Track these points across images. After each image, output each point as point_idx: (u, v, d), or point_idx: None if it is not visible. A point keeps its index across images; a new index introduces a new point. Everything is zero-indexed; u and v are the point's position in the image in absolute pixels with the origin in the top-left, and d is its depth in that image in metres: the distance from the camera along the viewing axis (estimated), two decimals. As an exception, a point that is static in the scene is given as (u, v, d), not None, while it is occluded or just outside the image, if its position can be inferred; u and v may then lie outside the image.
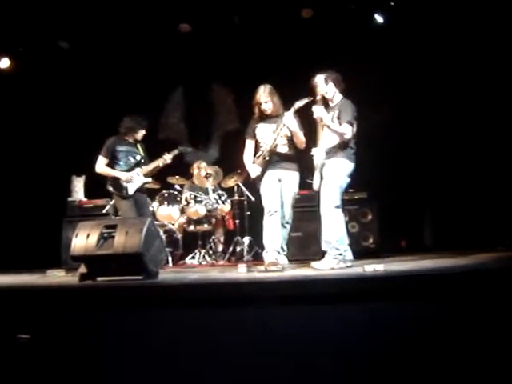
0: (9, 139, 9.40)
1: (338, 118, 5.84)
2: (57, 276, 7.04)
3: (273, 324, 4.35)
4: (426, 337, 4.13)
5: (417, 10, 8.27)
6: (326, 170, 5.95)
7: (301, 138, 6.21)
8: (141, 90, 9.13)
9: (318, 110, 5.86)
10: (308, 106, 5.99)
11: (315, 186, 6.10)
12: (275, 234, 6.14)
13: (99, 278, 5.56)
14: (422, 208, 8.73)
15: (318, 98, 5.92)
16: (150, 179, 7.04)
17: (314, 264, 5.89)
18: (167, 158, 6.99)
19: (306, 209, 8.16)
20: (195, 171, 8.52)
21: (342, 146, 5.87)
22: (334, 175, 5.88)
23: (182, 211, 8.25)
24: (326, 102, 6.06)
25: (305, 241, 8.07)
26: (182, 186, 8.51)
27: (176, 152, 7.11)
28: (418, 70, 8.41)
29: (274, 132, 6.16)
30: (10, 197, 9.29)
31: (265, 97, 6.19)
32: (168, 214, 8.11)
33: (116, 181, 6.87)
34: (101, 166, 6.88)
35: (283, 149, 6.26)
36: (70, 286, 5.55)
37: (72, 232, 5.89)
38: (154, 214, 8.01)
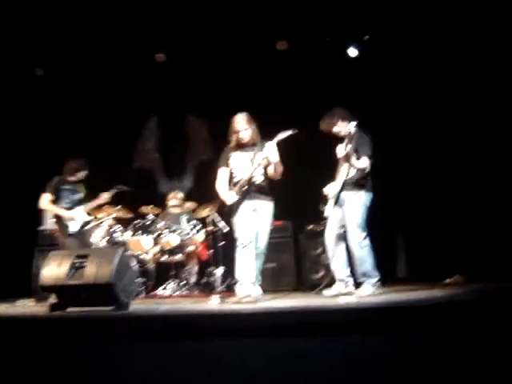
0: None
1: (356, 151, 5.97)
2: (27, 306, 6.95)
3: (246, 356, 4.31)
4: (399, 369, 4.11)
5: (391, 44, 8.38)
6: (347, 204, 6.15)
7: (279, 170, 6.19)
8: (116, 119, 9.11)
9: (340, 150, 6.07)
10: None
11: (326, 213, 6.36)
12: (249, 265, 6.10)
13: (69, 309, 5.49)
14: (395, 239, 8.78)
15: (347, 139, 5.93)
16: (91, 217, 7.39)
17: (356, 291, 6.00)
18: (106, 197, 7.43)
19: (280, 239, 8.18)
20: (170, 201, 8.49)
21: (360, 178, 6.11)
22: (357, 209, 6.08)
23: (155, 241, 8.19)
24: (341, 138, 6.19)
25: (278, 272, 8.07)
26: (155, 215, 8.46)
27: (114, 191, 7.49)
28: (391, 103, 8.50)
29: (252, 161, 6.14)
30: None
31: (243, 125, 6.19)
32: (140, 244, 8.04)
33: (59, 218, 7.19)
34: (45, 202, 7.22)
35: (259, 179, 6.24)
36: (39, 316, 5.46)
37: (43, 261, 5.83)
38: (126, 244, 7.95)
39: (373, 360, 4.16)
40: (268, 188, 6.32)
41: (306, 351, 4.25)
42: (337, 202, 6.23)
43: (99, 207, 7.70)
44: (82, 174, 7.36)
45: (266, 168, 6.24)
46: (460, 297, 5.48)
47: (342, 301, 5.17)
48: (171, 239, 8.06)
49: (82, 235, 7.30)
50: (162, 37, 8.46)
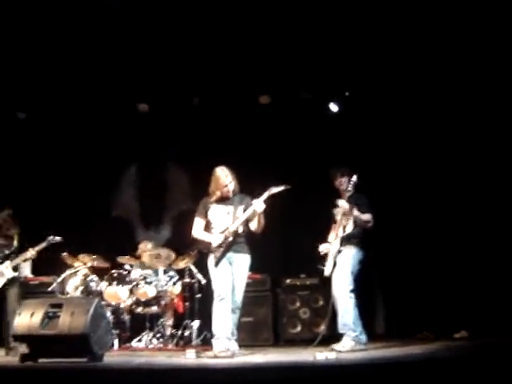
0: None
1: (358, 209, 6.33)
2: (-4, 356, 6.80)
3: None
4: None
5: (371, 100, 8.52)
6: (340, 257, 6.41)
7: (262, 223, 6.22)
8: (95, 166, 9.09)
9: (343, 203, 6.34)
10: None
11: (327, 272, 6.47)
12: (225, 319, 6.03)
13: (41, 360, 5.36)
14: (373, 295, 8.75)
15: (348, 194, 6.40)
16: (16, 273, 7.17)
17: (334, 346, 6.04)
18: (32, 252, 7.19)
19: (258, 293, 8.11)
20: (142, 253, 8.37)
21: (357, 235, 6.42)
22: (348, 263, 6.34)
23: (131, 292, 8.06)
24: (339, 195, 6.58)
25: (256, 326, 7.98)
26: (131, 265, 8.36)
27: (43, 245, 7.26)
28: (373, 159, 8.59)
29: (234, 214, 6.20)
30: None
31: (229, 179, 6.25)
32: (116, 294, 7.91)
33: None
34: None
35: (239, 230, 6.24)
36: (9, 367, 5.34)
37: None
38: (101, 294, 7.83)
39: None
40: (246, 242, 6.33)
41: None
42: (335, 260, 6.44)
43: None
44: (11, 231, 7.27)
45: (247, 222, 6.26)
46: (437, 353, 5.47)
47: (321, 356, 5.10)
48: (147, 290, 7.94)
49: (8, 294, 7.11)
50: (145, 87, 8.51)
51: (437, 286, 8.18)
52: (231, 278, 6.18)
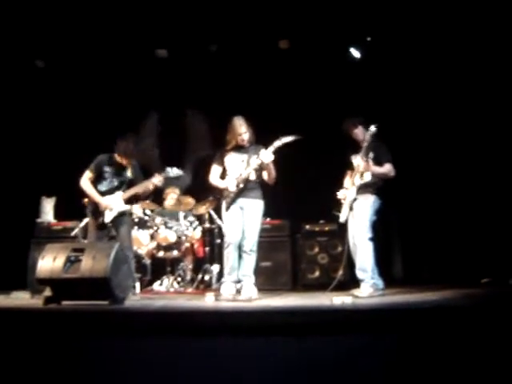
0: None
1: (376, 159, 6.31)
2: (21, 298, 6.94)
3: (238, 355, 4.31)
4: (389, 372, 4.12)
5: (393, 45, 8.37)
6: (357, 205, 6.42)
7: (272, 176, 6.43)
8: (115, 113, 9.10)
9: (359, 162, 6.28)
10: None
11: (342, 219, 6.54)
12: (232, 264, 6.35)
13: (64, 302, 5.49)
14: (392, 240, 8.79)
15: (365, 145, 6.27)
16: (128, 206, 6.77)
17: (354, 292, 6.13)
18: (156, 180, 6.67)
19: (276, 238, 8.18)
20: (167, 197, 8.49)
21: (374, 183, 6.38)
22: (366, 211, 6.35)
23: (152, 237, 8.18)
24: (357, 144, 6.49)
25: (274, 271, 8.06)
26: (152, 211, 8.44)
27: (163, 175, 6.78)
28: (394, 106, 8.51)
29: (248, 162, 6.39)
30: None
31: (244, 128, 6.43)
32: (137, 239, 8.03)
33: (95, 206, 6.68)
34: (85, 180, 6.68)
35: (251, 177, 6.43)
36: (33, 309, 5.46)
37: (39, 254, 5.83)
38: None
39: (366, 361, 4.17)
40: (258, 186, 6.50)
41: (300, 351, 4.25)
42: (352, 207, 6.44)
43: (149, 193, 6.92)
44: (131, 159, 6.76)
45: (259, 170, 6.43)
46: (453, 301, 5.50)
47: (338, 301, 5.17)
48: (168, 235, 8.05)
49: (117, 227, 6.66)
50: (164, 32, 8.44)
51: (457, 232, 8.19)
52: (240, 223, 6.39)
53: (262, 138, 6.49)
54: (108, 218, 6.60)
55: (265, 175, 6.46)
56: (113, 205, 6.59)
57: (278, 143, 6.24)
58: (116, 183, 6.69)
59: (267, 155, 6.21)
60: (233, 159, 6.51)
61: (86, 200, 6.95)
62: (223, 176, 6.58)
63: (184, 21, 8.08)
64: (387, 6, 7.78)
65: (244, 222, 6.39)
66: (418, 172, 8.45)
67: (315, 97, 8.82)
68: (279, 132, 6.38)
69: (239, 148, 6.50)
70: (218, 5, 7.77)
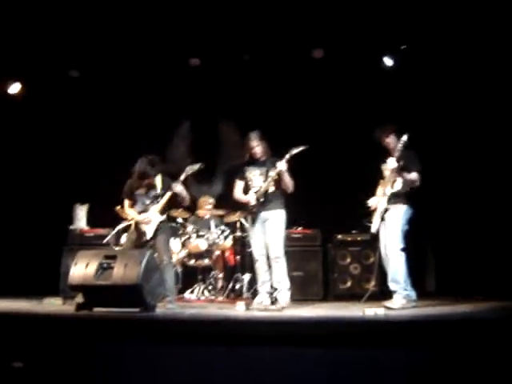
0: (14, 165, 9.40)
1: (405, 167, 6.25)
2: (54, 304, 7.00)
3: (269, 364, 4.29)
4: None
5: (427, 53, 8.28)
6: (389, 215, 6.38)
7: (291, 182, 6.60)
8: (148, 122, 9.16)
9: (391, 163, 6.25)
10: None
11: (374, 229, 6.50)
12: (263, 277, 6.63)
13: (96, 309, 5.52)
14: (425, 252, 8.69)
15: (398, 152, 6.18)
16: (164, 217, 6.68)
17: (386, 303, 6.06)
18: (174, 186, 6.56)
19: (307, 248, 8.16)
20: (201, 205, 8.50)
21: (405, 193, 6.36)
22: (398, 221, 6.30)
23: (183, 245, 8.20)
24: (388, 152, 6.48)
25: (305, 280, 8.02)
26: (184, 219, 8.47)
27: (183, 177, 6.67)
28: (428, 116, 8.42)
29: (266, 175, 6.66)
30: (12, 221, 9.25)
31: (256, 142, 6.75)
32: (169, 247, 8.04)
33: (135, 226, 6.68)
34: (127, 208, 6.79)
35: (270, 189, 6.66)
36: (65, 315, 5.50)
37: (72, 260, 5.88)
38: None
39: (393, 374, 4.12)
40: (278, 197, 6.70)
41: (328, 362, 4.22)
42: (383, 217, 6.41)
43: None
44: (152, 179, 6.65)
45: (276, 180, 6.61)
46: (488, 313, 5.42)
47: (370, 312, 5.12)
48: (199, 243, 8.06)
49: (157, 241, 6.57)
50: (197, 41, 8.46)
51: (491, 243, 8.06)
52: (262, 237, 6.65)
53: (292, 146, 6.50)
54: (149, 233, 6.56)
55: (283, 185, 6.62)
56: (150, 218, 6.56)
57: (289, 155, 6.43)
58: (148, 201, 6.68)
59: (281, 165, 6.42)
60: (253, 173, 6.81)
61: (118, 208, 7.01)
62: (246, 190, 6.83)
63: (217, 30, 8.09)
64: (421, 14, 7.70)
65: (267, 233, 6.60)
66: (453, 182, 8.33)
67: (348, 106, 8.77)
68: (310, 140, 6.44)
69: (257, 161, 6.80)
70: (251, 14, 7.77)
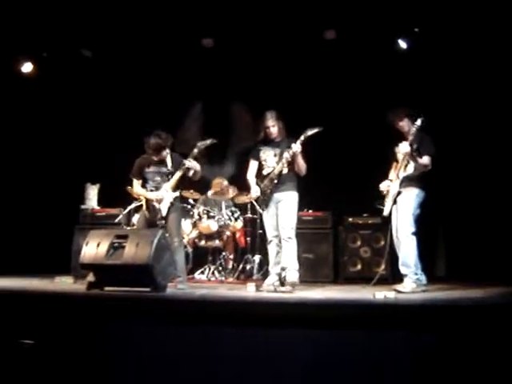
0: (26, 144, 9.43)
1: (418, 150, 6.20)
2: (65, 283, 7.05)
3: (278, 345, 4.31)
4: (429, 367, 4.07)
5: (441, 37, 8.20)
6: (401, 198, 6.31)
7: (303, 167, 6.57)
8: (160, 103, 9.15)
9: (404, 147, 6.16)
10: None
11: (386, 212, 6.44)
12: (274, 258, 6.63)
13: (107, 288, 5.55)
14: (435, 237, 8.66)
15: (412, 136, 6.13)
16: (177, 193, 6.64)
17: (397, 287, 6.02)
18: (187, 164, 6.51)
19: (318, 230, 8.15)
20: (214, 186, 8.48)
21: (418, 176, 6.29)
22: (410, 205, 6.23)
23: (194, 225, 8.21)
24: (402, 135, 6.39)
25: (316, 263, 8.03)
26: (195, 200, 8.48)
27: (195, 153, 6.62)
28: (441, 99, 8.36)
29: (280, 156, 6.56)
30: (23, 201, 9.30)
31: (272, 121, 6.64)
32: (180, 228, 8.06)
33: (148, 204, 6.61)
34: (137, 187, 6.73)
35: (284, 171, 6.58)
36: (76, 294, 5.54)
37: (83, 239, 5.91)
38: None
39: (401, 357, 4.14)
40: (291, 178, 6.63)
41: (339, 344, 4.23)
42: (395, 200, 6.35)
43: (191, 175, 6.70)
44: (164, 153, 6.58)
45: (291, 163, 6.52)
46: (499, 299, 5.40)
47: (380, 295, 5.12)
48: (210, 224, 8.07)
49: (169, 220, 6.51)
50: (209, 22, 8.42)
51: (503, 228, 8.03)
52: (275, 219, 6.60)
53: (307, 127, 6.44)
54: (164, 210, 6.50)
55: (296, 167, 6.55)
56: (162, 195, 6.53)
57: (304, 136, 6.35)
58: (159, 179, 6.62)
59: (296, 147, 6.35)
60: (267, 153, 6.72)
61: (129, 188, 7.00)
62: (260, 169, 6.76)
63: (230, 10, 8.04)
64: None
65: (279, 214, 6.54)
66: (465, 166, 8.29)
67: (361, 88, 8.71)
68: (324, 122, 6.37)
69: (272, 142, 6.70)
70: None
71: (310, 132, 6.35)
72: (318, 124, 6.37)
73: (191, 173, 6.62)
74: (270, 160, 6.68)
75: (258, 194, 6.66)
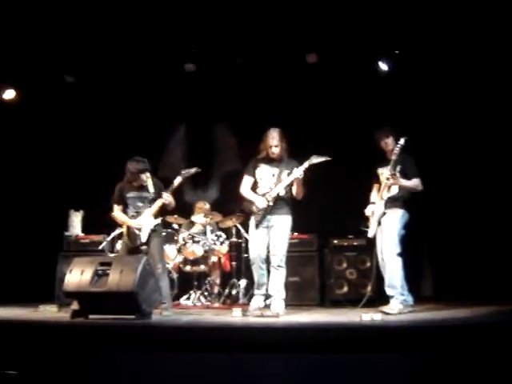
0: (9, 171, 9.37)
1: (403, 171, 6.25)
2: (49, 311, 6.96)
3: (265, 370, 4.27)
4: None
5: (422, 58, 8.28)
6: (386, 220, 6.33)
7: (303, 190, 6.37)
8: (143, 127, 9.14)
9: (386, 172, 6.19)
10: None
11: (370, 234, 6.45)
12: (258, 279, 6.46)
13: (91, 316, 5.50)
14: (421, 257, 8.68)
15: (394, 155, 6.14)
16: (158, 220, 6.64)
17: (384, 308, 6.00)
18: (165, 197, 6.51)
19: (304, 253, 8.11)
20: (196, 211, 8.47)
21: (402, 197, 6.32)
22: (395, 226, 6.24)
23: (179, 251, 8.17)
24: (385, 157, 6.42)
25: (302, 286, 7.98)
26: (179, 225, 8.45)
27: (178, 181, 6.62)
28: (423, 119, 8.43)
29: (278, 178, 6.38)
30: (7, 228, 9.22)
31: (276, 141, 6.40)
32: (164, 254, 8.01)
33: (128, 231, 6.60)
34: (117, 212, 6.69)
35: (281, 193, 6.40)
36: (60, 323, 5.48)
37: (67, 267, 5.86)
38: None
39: (390, 379, 4.12)
40: (287, 202, 6.46)
41: (325, 368, 4.20)
42: (380, 221, 6.36)
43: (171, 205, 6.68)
44: (143, 178, 6.55)
45: (289, 186, 6.40)
46: (485, 318, 5.40)
47: (367, 317, 5.10)
48: (195, 249, 8.04)
49: (151, 245, 6.52)
50: (191, 47, 8.46)
51: (488, 247, 8.05)
52: (265, 240, 6.41)
53: (290, 149, 6.50)
54: (144, 237, 6.49)
55: (293, 190, 6.39)
56: (143, 222, 6.50)
57: (308, 163, 6.22)
58: (140, 204, 6.61)
59: (299, 172, 6.19)
60: (264, 171, 6.50)
61: (113, 214, 6.95)
62: (254, 187, 6.55)
63: (212, 35, 8.08)
64: (414, 19, 7.70)
65: (271, 238, 6.38)
66: (449, 186, 8.33)
67: (342, 111, 8.76)
68: (306, 145, 6.42)
69: (271, 161, 6.48)
70: (245, 18, 7.76)
71: (315, 160, 6.21)
72: (301, 145, 6.36)
73: (166, 206, 6.62)
74: (267, 179, 6.47)
75: (265, 203, 6.34)
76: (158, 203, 6.54)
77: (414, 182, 6.23)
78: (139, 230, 6.47)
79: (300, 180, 6.24)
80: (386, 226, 6.28)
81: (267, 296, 6.37)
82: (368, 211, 6.50)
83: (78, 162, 9.42)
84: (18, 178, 9.40)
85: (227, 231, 8.46)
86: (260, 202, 6.36)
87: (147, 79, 8.94)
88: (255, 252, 6.43)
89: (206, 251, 8.08)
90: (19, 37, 8.01)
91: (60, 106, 9.45)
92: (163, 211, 6.87)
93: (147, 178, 6.60)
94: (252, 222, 6.49)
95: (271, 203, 6.33)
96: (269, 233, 6.39)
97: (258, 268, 6.41)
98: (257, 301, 6.41)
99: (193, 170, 6.71)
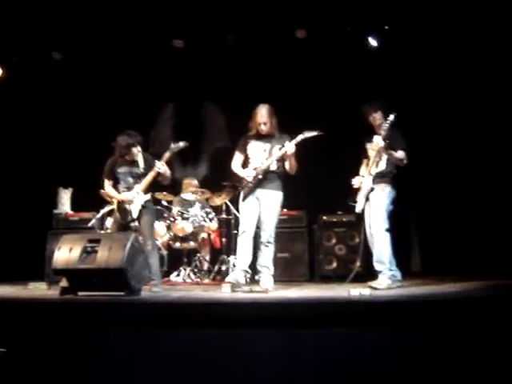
0: (-4, 149, 9.33)
1: (390, 146, 6.19)
2: (38, 289, 6.96)
3: (255, 345, 4.29)
4: (408, 364, 4.08)
5: (411, 34, 8.25)
6: (373, 195, 6.33)
7: (294, 167, 6.32)
8: (132, 105, 9.09)
9: (379, 140, 6.13)
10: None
11: (358, 209, 6.43)
12: (244, 253, 6.30)
13: (80, 293, 5.50)
14: (409, 232, 8.72)
15: (384, 131, 6.11)
16: (148, 196, 6.59)
17: (372, 283, 6.01)
18: (158, 166, 6.41)
19: (293, 229, 8.15)
20: (185, 187, 8.46)
21: (390, 173, 6.34)
22: (382, 202, 6.27)
23: (169, 228, 8.17)
24: (373, 131, 6.40)
25: (291, 262, 8.03)
26: (169, 202, 8.44)
27: (167, 155, 6.54)
28: (412, 95, 8.42)
29: (269, 153, 6.32)
30: (-5, 207, 9.20)
31: (265, 118, 6.33)
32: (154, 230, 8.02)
33: (119, 206, 6.55)
34: (107, 187, 6.64)
35: (272, 167, 6.34)
36: (49, 300, 5.48)
37: (56, 245, 5.83)
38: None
39: (378, 354, 4.14)
40: (278, 177, 6.42)
41: (314, 343, 4.23)
42: (368, 197, 6.36)
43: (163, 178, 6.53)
44: (134, 152, 6.48)
45: (281, 161, 6.35)
46: (473, 293, 5.44)
47: (355, 292, 5.13)
48: (185, 226, 8.03)
49: (142, 220, 6.46)
50: (180, 23, 8.38)
51: (477, 222, 8.10)
52: (256, 213, 6.35)
53: (280, 126, 6.45)
54: (135, 212, 6.44)
55: (286, 165, 6.33)
56: (133, 197, 6.47)
57: (301, 137, 6.18)
58: (131, 180, 6.56)
59: (291, 147, 6.15)
60: (255, 147, 6.43)
61: (102, 191, 6.92)
62: (245, 163, 6.51)
63: (201, 10, 8.01)
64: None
65: (261, 213, 6.34)
66: (437, 161, 8.36)
67: (332, 86, 8.74)
68: (296, 121, 6.39)
69: (262, 137, 6.41)
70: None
71: (307, 134, 6.17)
72: (292, 122, 6.34)
73: (160, 177, 6.52)
74: (258, 155, 6.40)
75: (252, 175, 6.29)
76: (149, 177, 6.48)
77: (400, 154, 6.22)
78: (129, 204, 6.44)
79: (292, 154, 6.19)
80: (374, 202, 6.29)
81: (247, 271, 6.35)
82: (355, 181, 6.48)
83: (66, 139, 9.37)
84: (5, 156, 9.35)
85: (217, 208, 8.46)
86: (248, 175, 6.33)
87: (136, 55, 8.88)
88: (245, 224, 6.33)
89: (195, 228, 8.08)
90: (5, 14, 7.93)
91: (48, 83, 9.39)
92: (157, 186, 6.84)
93: (138, 152, 6.54)
94: (241, 195, 6.46)
95: (260, 176, 6.28)
96: (259, 206, 6.35)
97: (246, 240, 6.29)
98: (236, 274, 6.31)
99: (181, 144, 6.64)
